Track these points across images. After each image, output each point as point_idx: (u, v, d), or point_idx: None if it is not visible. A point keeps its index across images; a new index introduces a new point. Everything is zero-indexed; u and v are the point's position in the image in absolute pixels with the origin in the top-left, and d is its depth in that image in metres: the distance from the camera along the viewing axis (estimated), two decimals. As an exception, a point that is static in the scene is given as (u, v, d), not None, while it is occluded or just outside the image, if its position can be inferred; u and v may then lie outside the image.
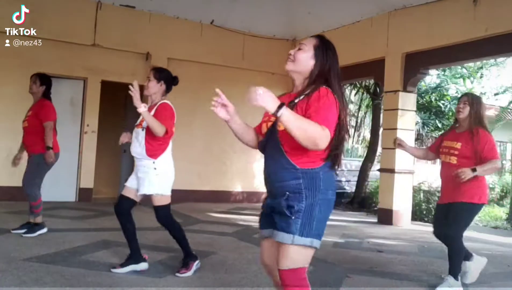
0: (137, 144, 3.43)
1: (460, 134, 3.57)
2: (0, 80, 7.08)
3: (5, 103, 7.01)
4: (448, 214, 3.49)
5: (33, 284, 3.02)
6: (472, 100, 3.58)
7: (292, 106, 1.89)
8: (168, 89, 3.61)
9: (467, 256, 3.67)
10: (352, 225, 7.02)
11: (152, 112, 3.41)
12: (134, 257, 3.49)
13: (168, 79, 3.59)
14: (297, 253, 1.86)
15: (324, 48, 2.01)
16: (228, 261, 4.00)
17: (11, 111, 6.87)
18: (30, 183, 4.56)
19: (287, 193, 1.88)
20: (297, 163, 1.88)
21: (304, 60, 1.99)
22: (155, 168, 3.38)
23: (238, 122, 2.04)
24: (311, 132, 1.73)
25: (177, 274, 3.42)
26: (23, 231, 4.56)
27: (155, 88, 3.53)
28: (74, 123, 7.65)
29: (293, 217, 1.85)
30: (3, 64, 7.04)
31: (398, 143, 3.85)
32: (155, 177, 3.37)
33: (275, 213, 1.92)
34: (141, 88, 3.42)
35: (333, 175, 1.98)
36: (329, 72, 1.98)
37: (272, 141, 1.94)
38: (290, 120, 1.71)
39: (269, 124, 1.99)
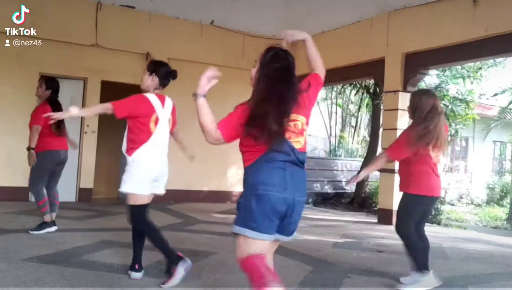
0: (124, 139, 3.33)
1: None
2: (0, 80, 7.08)
3: (5, 103, 7.01)
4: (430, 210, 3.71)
5: (33, 284, 3.02)
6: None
7: None
8: (162, 83, 3.37)
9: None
10: (352, 225, 7.02)
11: None
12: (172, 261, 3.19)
13: (161, 72, 3.36)
14: (237, 241, 2.18)
15: (260, 57, 2.30)
16: (228, 261, 3.98)
17: (12, 111, 6.88)
18: (32, 182, 4.71)
19: None
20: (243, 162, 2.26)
21: (252, 75, 2.34)
22: (130, 166, 3.21)
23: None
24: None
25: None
26: (44, 231, 4.68)
27: (147, 81, 3.35)
28: (74, 123, 7.62)
29: (237, 211, 2.21)
30: (3, 64, 7.04)
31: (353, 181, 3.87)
32: (126, 175, 3.21)
33: None
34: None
35: (266, 171, 2.14)
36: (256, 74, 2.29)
37: None
38: None
39: None
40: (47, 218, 4.70)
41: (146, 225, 3.26)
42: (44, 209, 4.68)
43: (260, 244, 2.14)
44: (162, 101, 3.37)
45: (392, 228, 6.85)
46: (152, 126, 3.25)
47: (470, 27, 6.15)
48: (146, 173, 3.21)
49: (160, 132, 3.30)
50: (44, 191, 4.72)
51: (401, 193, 3.69)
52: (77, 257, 3.82)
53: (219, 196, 8.72)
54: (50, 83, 4.83)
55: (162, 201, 7.81)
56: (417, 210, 3.58)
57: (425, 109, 3.51)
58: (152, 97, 3.31)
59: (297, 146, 2.22)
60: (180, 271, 3.12)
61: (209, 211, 7.27)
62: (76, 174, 7.68)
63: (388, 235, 6.13)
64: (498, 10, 5.86)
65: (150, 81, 3.35)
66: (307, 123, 2.31)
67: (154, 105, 3.27)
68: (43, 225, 4.69)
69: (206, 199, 8.41)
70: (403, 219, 3.59)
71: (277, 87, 2.19)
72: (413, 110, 3.64)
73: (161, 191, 3.39)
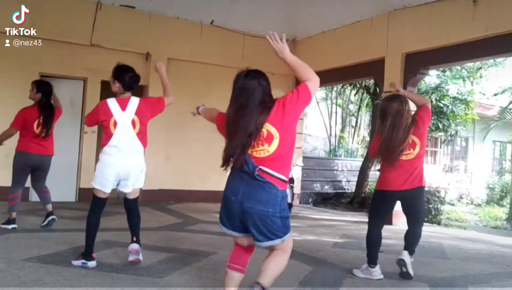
0: None
1: None
2: (0, 80, 7.08)
3: (5, 103, 7.00)
4: (409, 202, 3.76)
5: (33, 284, 3.02)
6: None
7: None
8: (125, 88, 3.58)
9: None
10: (352, 225, 7.02)
11: None
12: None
13: (123, 78, 3.59)
14: None
15: None
16: (228, 261, 3.99)
17: (12, 111, 6.82)
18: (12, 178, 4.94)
19: None
20: None
21: None
22: (98, 163, 3.66)
23: None
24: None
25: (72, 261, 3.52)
26: (45, 223, 4.96)
27: (113, 86, 3.61)
28: (74, 123, 7.64)
29: None
30: (3, 64, 7.04)
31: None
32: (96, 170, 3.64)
33: None
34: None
35: (229, 177, 2.70)
36: None
37: None
38: None
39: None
40: (14, 215, 4.83)
41: (89, 214, 3.69)
42: (11, 204, 4.82)
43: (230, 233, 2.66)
44: (124, 105, 3.54)
45: (391, 228, 6.85)
46: (112, 129, 3.49)
47: (470, 27, 6.15)
48: (105, 171, 3.55)
49: (119, 135, 3.48)
50: (19, 188, 4.88)
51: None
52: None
53: (219, 196, 8.63)
54: (41, 87, 4.93)
55: (162, 201, 7.85)
56: (378, 205, 3.84)
57: (390, 114, 3.60)
58: (111, 103, 3.53)
59: (261, 154, 2.43)
60: (79, 263, 3.47)
61: (209, 211, 7.26)
62: (76, 174, 7.68)
63: (388, 235, 6.10)
64: (498, 10, 5.86)
65: (115, 87, 3.59)
66: (282, 130, 2.42)
67: (111, 110, 3.49)
68: (9, 221, 4.80)
69: (206, 199, 8.39)
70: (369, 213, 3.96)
71: (236, 111, 2.46)
72: (379, 115, 3.83)
73: (128, 190, 3.67)
